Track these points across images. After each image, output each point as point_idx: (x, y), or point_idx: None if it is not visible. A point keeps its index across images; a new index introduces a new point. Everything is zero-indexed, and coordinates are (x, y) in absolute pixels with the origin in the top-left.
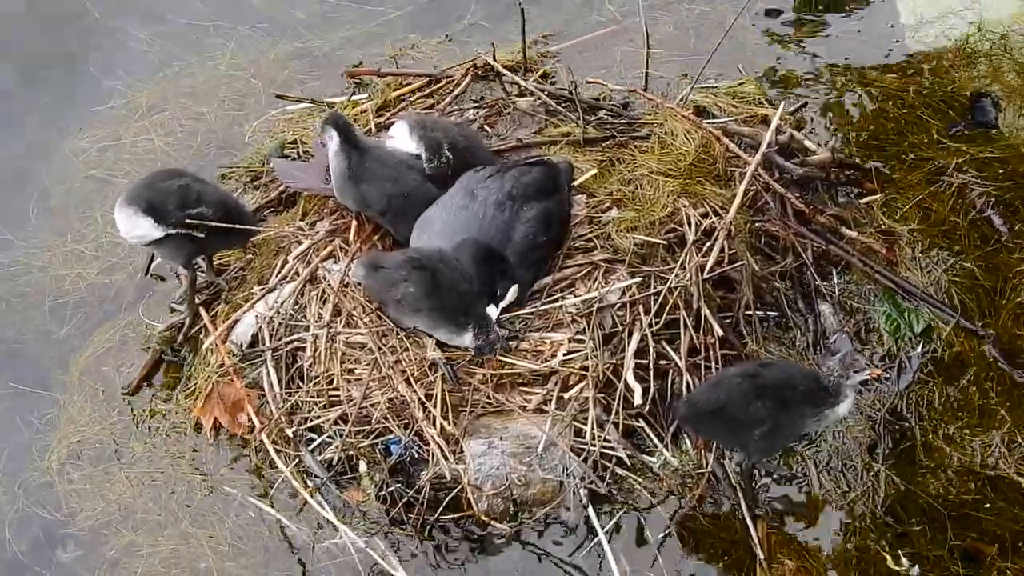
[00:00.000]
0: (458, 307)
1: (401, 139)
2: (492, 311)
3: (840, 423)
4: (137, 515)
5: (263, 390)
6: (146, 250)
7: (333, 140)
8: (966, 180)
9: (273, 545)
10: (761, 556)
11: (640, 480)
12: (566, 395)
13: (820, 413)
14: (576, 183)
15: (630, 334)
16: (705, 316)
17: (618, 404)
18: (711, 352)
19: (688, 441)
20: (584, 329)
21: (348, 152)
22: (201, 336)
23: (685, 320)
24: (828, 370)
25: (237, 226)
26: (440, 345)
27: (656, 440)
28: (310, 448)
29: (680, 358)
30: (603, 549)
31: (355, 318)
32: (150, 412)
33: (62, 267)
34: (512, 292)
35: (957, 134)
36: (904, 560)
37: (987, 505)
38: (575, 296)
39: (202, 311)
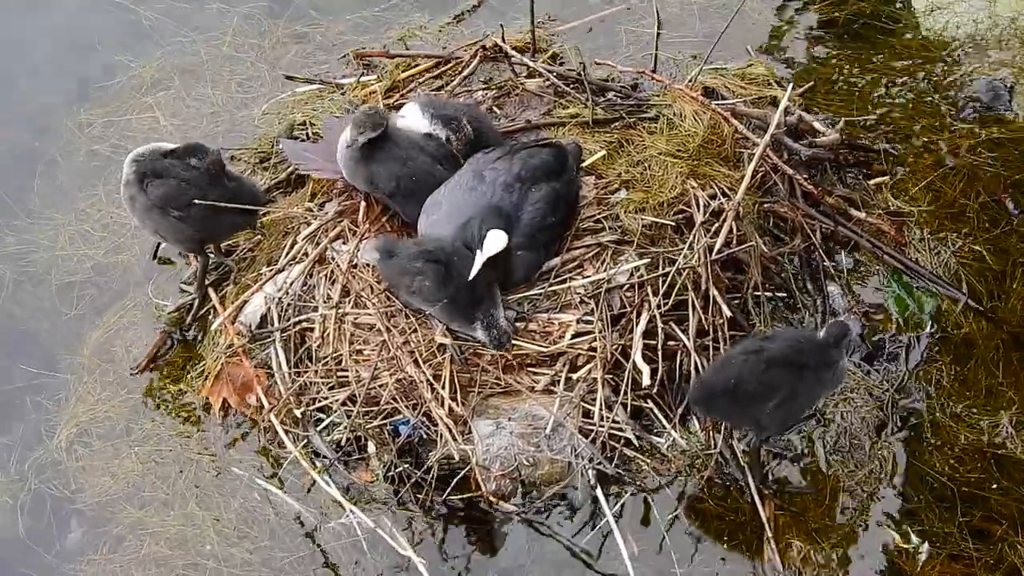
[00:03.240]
0: (470, 301)
1: (412, 120)
2: (478, 257)
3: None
4: (144, 494)
5: (272, 371)
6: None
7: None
8: (977, 162)
9: (279, 528)
10: (769, 536)
11: (648, 461)
12: (574, 376)
13: (833, 367)
14: (585, 164)
15: (638, 315)
16: (713, 297)
17: (626, 385)
18: (719, 333)
19: (696, 422)
20: (592, 310)
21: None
22: (210, 317)
23: (693, 301)
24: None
25: (243, 207)
26: (450, 330)
27: (664, 421)
28: (319, 429)
29: (689, 339)
30: (611, 529)
31: (364, 299)
32: (159, 392)
33: (68, 246)
34: (493, 236)
35: (969, 116)
36: (914, 537)
37: (995, 485)
38: (583, 277)
39: (211, 292)
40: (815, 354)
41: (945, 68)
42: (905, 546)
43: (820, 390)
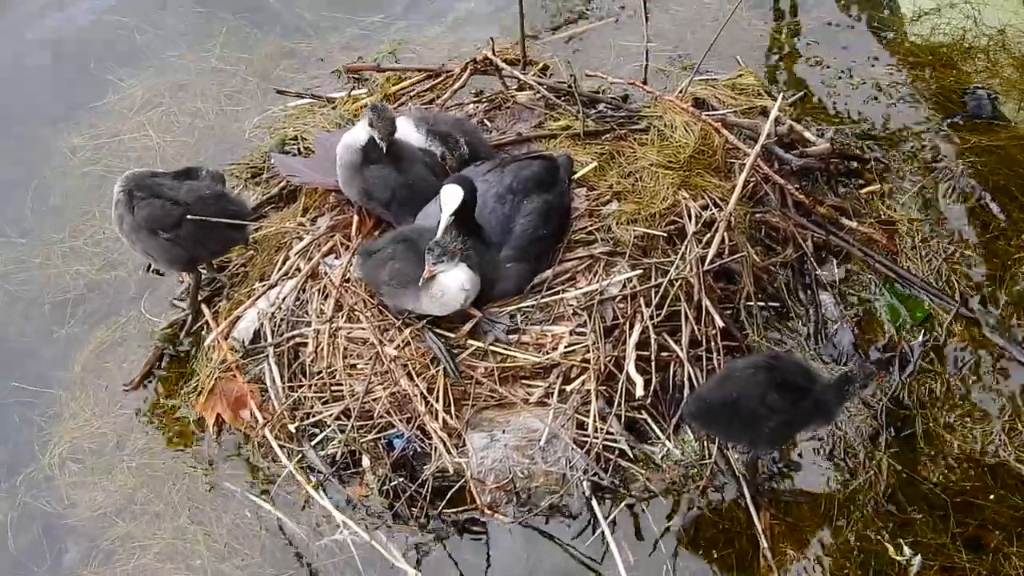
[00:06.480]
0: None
1: (405, 134)
2: (443, 216)
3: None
4: (136, 507)
5: (265, 386)
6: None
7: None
8: (963, 169)
9: (270, 543)
10: (764, 546)
11: (643, 471)
12: (568, 388)
13: (831, 410)
14: (576, 176)
15: (631, 326)
16: (706, 307)
17: (620, 396)
18: (712, 343)
19: (690, 432)
20: (585, 322)
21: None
22: (203, 332)
23: (686, 312)
24: (847, 383)
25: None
26: (437, 333)
27: (658, 431)
28: (313, 443)
29: (681, 350)
30: (607, 540)
31: (357, 313)
32: (152, 408)
33: (60, 264)
34: (449, 191)
35: (955, 123)
36: (906, 550)
37: (991, 496)
38: (576, 289)
39: (204, 307)
40: (820, 389)
41: (932, 76)
42: (898, 558)
43: (815, 423)
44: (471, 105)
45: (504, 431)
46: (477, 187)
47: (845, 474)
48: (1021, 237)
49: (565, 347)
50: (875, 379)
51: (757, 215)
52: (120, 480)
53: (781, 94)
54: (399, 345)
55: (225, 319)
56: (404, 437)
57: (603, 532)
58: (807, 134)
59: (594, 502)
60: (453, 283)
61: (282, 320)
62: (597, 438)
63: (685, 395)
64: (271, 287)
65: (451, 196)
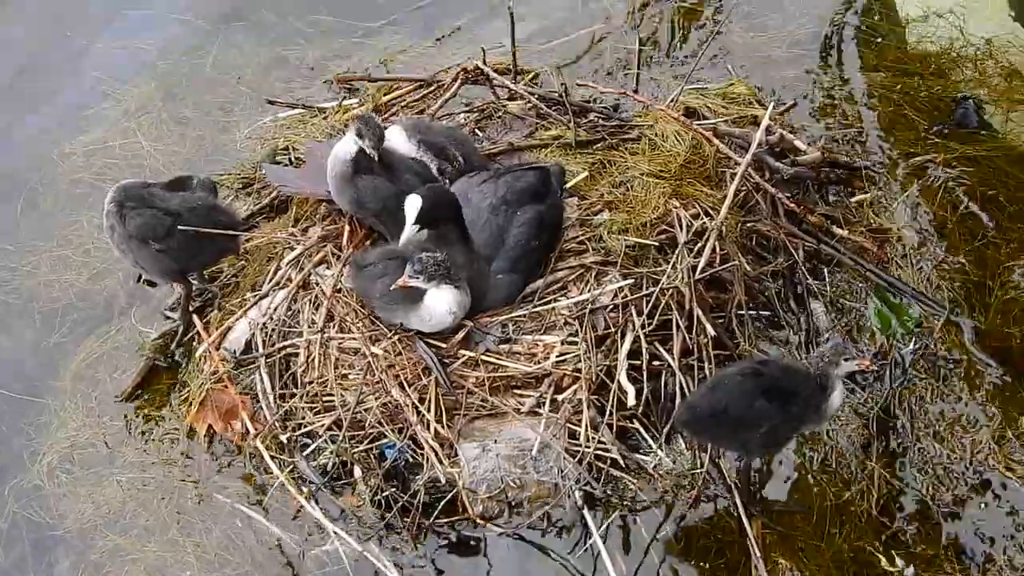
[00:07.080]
0: None
1: (396, 143)
2: (407, 226)
3: (834, 417)
4: (126, 519)
5: (257, 396)
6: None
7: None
8: (952, 176)
9: (261, 555)
10: (756, 556)
11: (635, 481)
12: (560, 397)
13: (820, 408)
14: (567, 186)
15: (623, 335)
16: (697, 316)
17: (612, 405)
18: (704, 352)
19: (682, 441)
20: (577, 331)
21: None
22: (195, 343)
23: (677, 321)
24: (818, 357)
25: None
26: (428, 343)
27: (650, 441)
28: (304, 454)
29: (673, 359)
30: (599, 550)
31: (348, 323)
32: (143, 419)
33: (50, 273)
34: (410, 200)
35: (942, 132)
36: (898, 561)
37: (980, 505)
38: (568, 298)
39: (195, 318)
40: (809, 389)
41: (922, 84)
42: (890, 569)
43: (810, 422)
44: (462, 115)
45: (496, 441)
46: (472, 198)
47: (837, 483)
48: (1011, 246)
49: (557, 357)
50: (847, 355)
51: (748, 224)
52: (110, 493)
53: (772, 103)
54: (387, 349)
55: (216, 329)
56: (396, 447)
57: (595, 542)
58: (798, 142)
59: (586, 512)
60: (440, 305)
61: (273, 330)
62: (589, 448)
63: (677, 404)
64: (262, 297)
65: (411, 206)
